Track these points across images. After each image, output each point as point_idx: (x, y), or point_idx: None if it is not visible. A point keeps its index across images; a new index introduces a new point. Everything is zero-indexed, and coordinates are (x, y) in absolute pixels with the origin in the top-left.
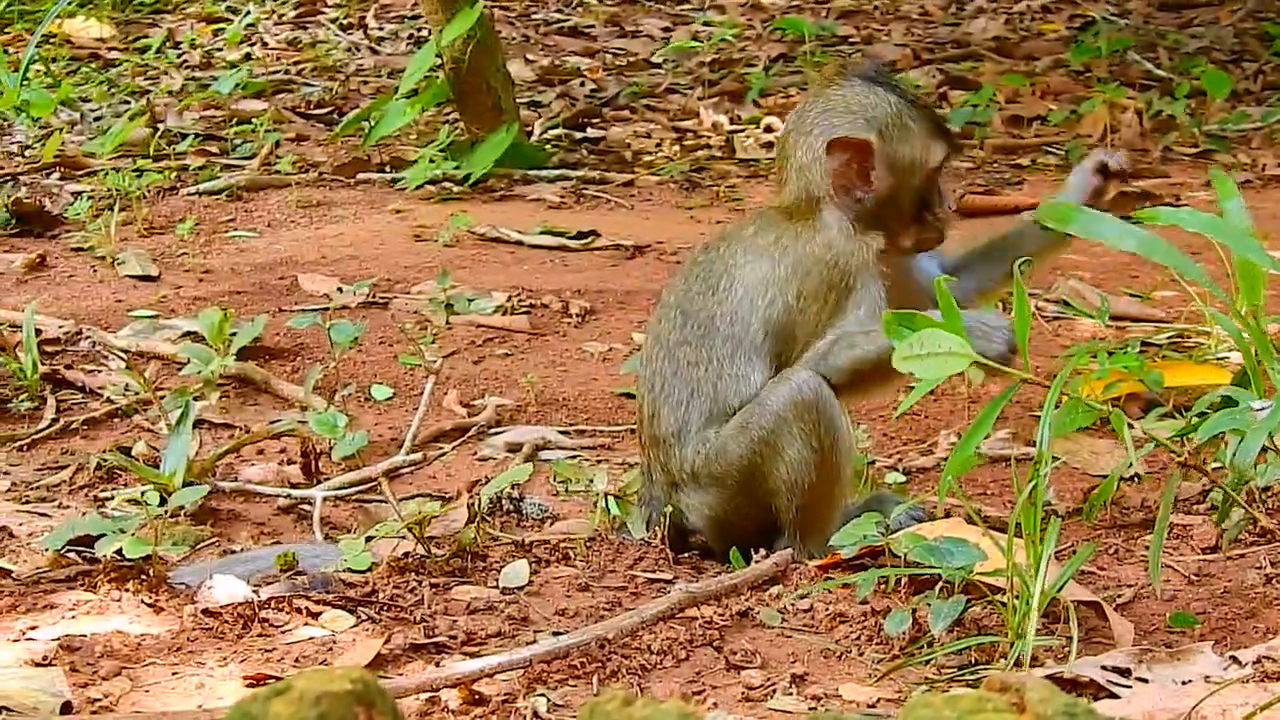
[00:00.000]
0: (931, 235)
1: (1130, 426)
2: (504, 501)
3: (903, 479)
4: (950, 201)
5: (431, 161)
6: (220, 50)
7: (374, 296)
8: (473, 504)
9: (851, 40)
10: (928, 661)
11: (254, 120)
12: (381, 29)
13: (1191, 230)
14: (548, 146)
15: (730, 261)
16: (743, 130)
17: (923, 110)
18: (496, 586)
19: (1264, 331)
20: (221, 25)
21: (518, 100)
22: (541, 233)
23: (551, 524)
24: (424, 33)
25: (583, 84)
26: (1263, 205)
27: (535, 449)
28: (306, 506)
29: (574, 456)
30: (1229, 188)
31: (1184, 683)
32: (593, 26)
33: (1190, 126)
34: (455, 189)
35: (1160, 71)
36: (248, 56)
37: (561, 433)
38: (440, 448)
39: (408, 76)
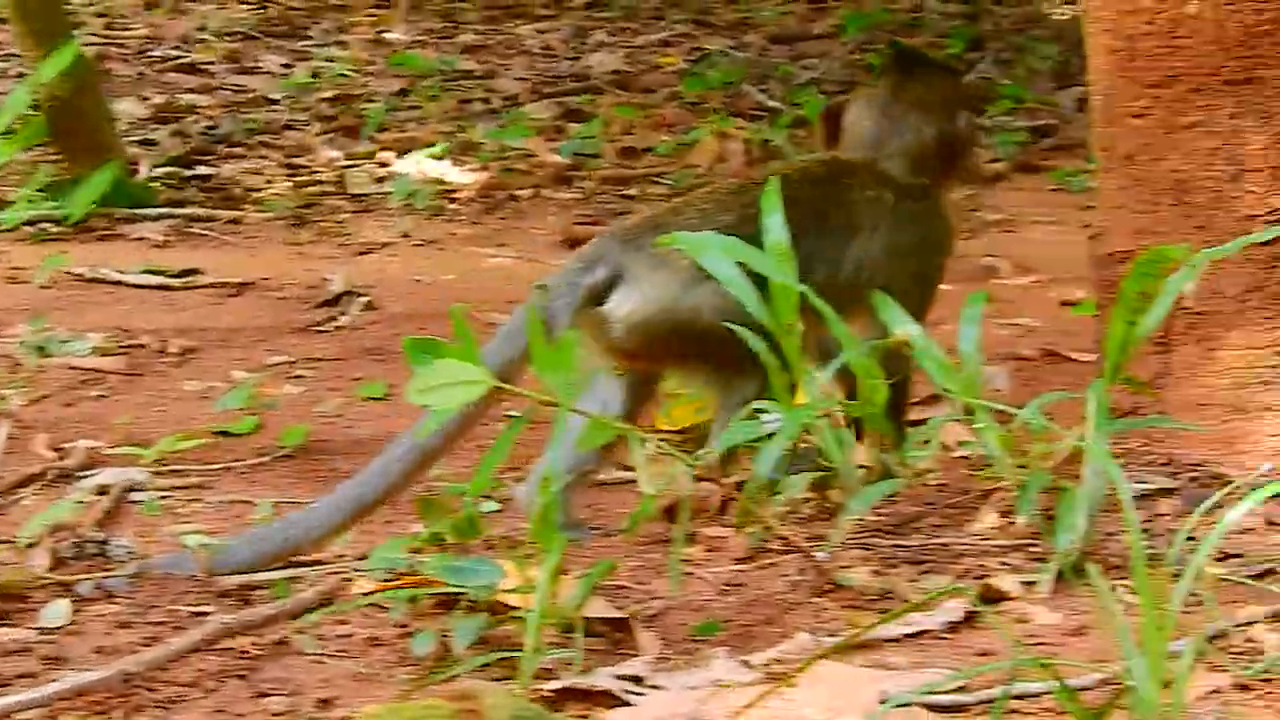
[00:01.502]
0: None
1: (643, 443)
2: (88, 545)
3: (497, 507)
4: None
5: (30, 202)
6: None
7: None
8: (32, 547)
9: (474, 74)
10: (454, 679)
11: None
12: None
13: (705, 255)
14: (157, 185)
15: None
16: (357, 165)
17: None
18: (35, 627)
19: (797, 345)
20: None
21: (130, 138)
22: (143, 272)
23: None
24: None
25: (197, 121)
26: None
27: (125, 490)
28: None
29: (165, 497)
30: (772, 201)
31: (696, 688)
32: (212, 63)
33: (794, 154)
34: (54, 229)
35: (772, 102)
36: None
37: (155, 473)
38: (19, 494)
39: (1, 115)
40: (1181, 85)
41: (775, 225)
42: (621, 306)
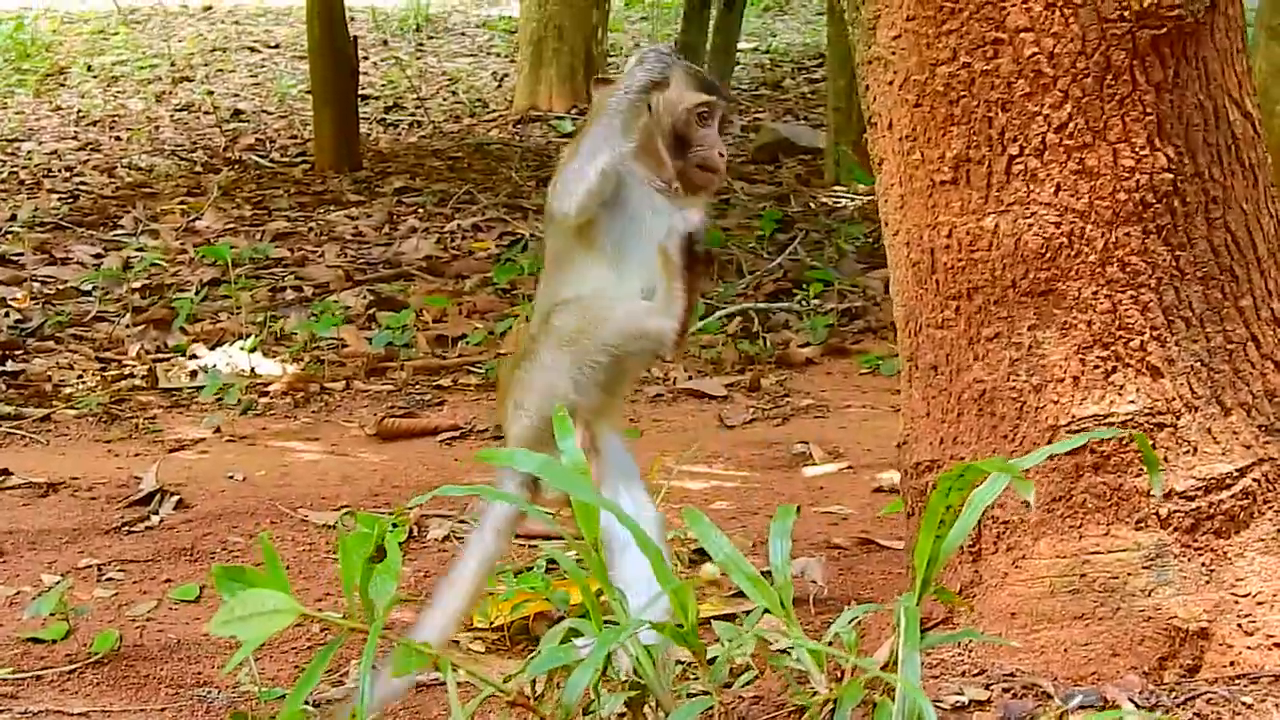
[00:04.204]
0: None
1: (454, 669)
2: None
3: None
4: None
5: None
6: None
7: None
8: None
9: (285, 262)
10: None
11: None
12: None
13: (524, 470)
14: None
15: None
16: (168, 358)
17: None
18: None
19: (603, 563)
20: None
21: None
22: None
23: None
24: None
25: (7, 314)
26: (671, 418)
27: None
28: None
29: None
30: (565, 426)
31: None
32: (21, 254)
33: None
34: None
35: None
36: None
37: None
38: None
39: None
40: (981, 297)
41: (569, 447)
42: None
